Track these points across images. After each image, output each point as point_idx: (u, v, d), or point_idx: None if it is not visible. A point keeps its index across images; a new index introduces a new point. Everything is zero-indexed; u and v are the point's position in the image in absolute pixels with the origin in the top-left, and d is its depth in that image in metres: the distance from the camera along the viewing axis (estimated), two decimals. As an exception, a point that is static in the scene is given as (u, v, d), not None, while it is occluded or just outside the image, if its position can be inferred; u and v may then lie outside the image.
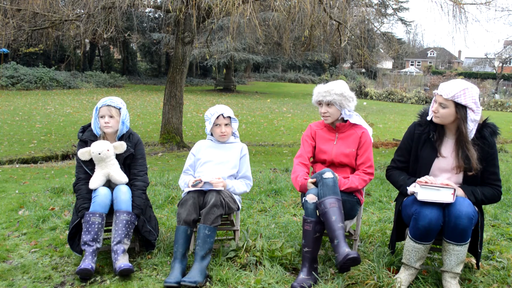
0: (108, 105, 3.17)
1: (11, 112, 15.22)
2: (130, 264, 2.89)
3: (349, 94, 3.12)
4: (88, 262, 2.85)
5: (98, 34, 9.87)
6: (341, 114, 3.14)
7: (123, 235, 2.98)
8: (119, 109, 3.21)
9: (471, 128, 2.68)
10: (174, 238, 2.99)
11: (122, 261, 2.89)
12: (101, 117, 3.17)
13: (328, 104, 3.10)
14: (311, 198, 2.86)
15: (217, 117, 3.27)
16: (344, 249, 2.63)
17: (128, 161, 3.27)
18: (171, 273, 2.83)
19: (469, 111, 2.64)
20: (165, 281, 2.76)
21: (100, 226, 2.96)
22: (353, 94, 3.17)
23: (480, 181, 2.77)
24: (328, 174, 2.88)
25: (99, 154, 3.09)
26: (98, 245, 2.95)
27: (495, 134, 2.75)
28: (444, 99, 2.67)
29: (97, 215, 2.96)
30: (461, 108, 2.65)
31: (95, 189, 3.08)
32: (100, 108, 3.17)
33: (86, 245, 2.93)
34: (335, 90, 3.08)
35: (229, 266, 2.99)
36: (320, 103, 3.16)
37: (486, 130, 2.74)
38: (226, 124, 3.30)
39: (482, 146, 2.72)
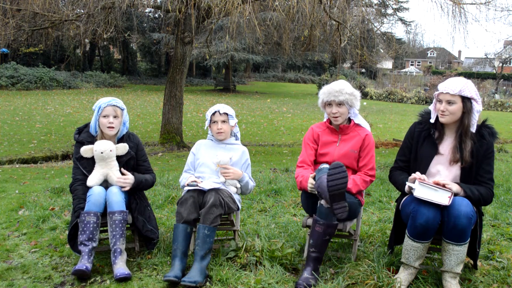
0: (113, 105, 3.15)
1: (11, 112, 15.22)
2: (127, 272, 2.86)
3: (357, 93, 3.15)
4: (83, 263, 2.84)
5: (98, 34, 9.87)
6: (349, 113, 3.15)
7: (118, 236, 2.97)
8: (123, 110, 3.22)
9: (476, 120, 2.76)
10: (173, 236, 2.98)
11: (120, 266, 2.89)
12: (104, 116, 3.14)
13: (339, 104, 3.09)
14: (326, 202, 2.86)
15: (213, 114, 3.28)
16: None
17: (132, 162, 3.27)
18: (171, 270, 2.82)
19: (473, 102, 2.74)
20: (165, 276, 2.76)
21: (95, 225, 2.94)
22: (359, 92, 3.19)
23: (473, 179, 2.79)
24: (325, 165, 2.93)
25: (102, 153, 3.07)
26: (94, 244, 2.94)
27: (493, 135, 2.81)
28: (451, 95, 2.73)
29: (92, 214, 2.94)
30: (467, 101, 2.73)
31: (90, 188, 3.07)
32: (104, 108, 3.14)
33: (82, 245, 2.92)
34: (346, 89, 3.08)
35: (229, 266, 2.98)
36: (330, 103, 3.11)
37: (485, 130, 2.81)
38: (223, 121, 3.29)
39: (481, 144, 2.77)
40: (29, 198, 4.88)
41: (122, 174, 3.17)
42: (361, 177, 3.08)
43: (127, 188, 3.12)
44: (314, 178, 2.93)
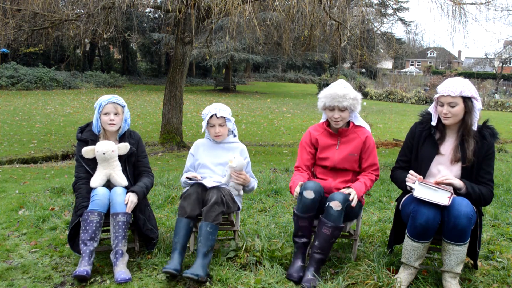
0: (113, 103, 3.16)
1: (11, 112, 15.22)
2: (128, 277, 2.85)
3: (359, 96, 3.11)
4: (83, 268, 2.82)
5: (98, 34, 9.88)
6: (350, 116, 3.13)
7: (120, 237, 2.97)
8: (123, 107, 3.22)
9: (477, 118, 2.77)
10: (175, 230, 2.97)
11: (120, 268, 2.90)
12: (105, 114, 3.14)
13: (342, 109, 3.03)
14: (336, 205, 2.83)
15: (210, 117, 3.23)
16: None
17: (132, 159, 3.28)
18: (171, 262, 2.82)
19: (474, 101, 2.75)
20: (164, 268, 2.76)
21: (98, 225, 2.94)
22: (360, 95, 3.16)
23: (474, 179, 2.80)
24: (310, 184, 2.90)
25: (104, 154, 3.07)
26: (95, 244, 2.94)
27: (494, 136, 2.82)
28: (452, 97, 2.73)
29: (96, 213, 2.94)
30: (468, 101, 2.74)
31: (94, 188, 3.08)
32: (105, 105, 3.14)
33: (83, 244, 2.91)
34: (350, 94, 3.02)
35: (229, 266, 2.98)
36: (332, 108, 3.05)
37: (486, 131, 2.81)
38: (220, 125, 3.25)
39: (482, 145, 2.77)
40: (29, 198, 4.88)
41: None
42: (368, 177, 3.10)
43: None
44: (301, 186, 2.95)
